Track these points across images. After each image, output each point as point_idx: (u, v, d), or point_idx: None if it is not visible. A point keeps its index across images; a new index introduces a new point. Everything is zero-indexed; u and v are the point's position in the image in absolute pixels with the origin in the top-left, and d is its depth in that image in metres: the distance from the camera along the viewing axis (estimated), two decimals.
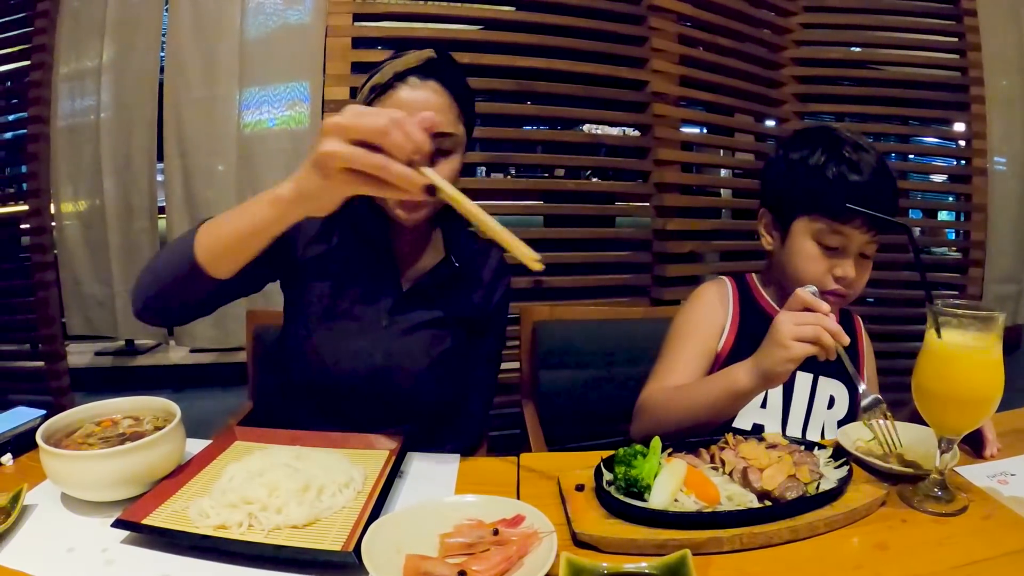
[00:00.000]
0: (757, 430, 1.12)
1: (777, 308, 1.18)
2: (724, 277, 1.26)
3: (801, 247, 1.11)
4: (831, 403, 1.17)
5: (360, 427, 1.01)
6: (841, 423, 1.15)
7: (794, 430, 1.14)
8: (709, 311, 1.19)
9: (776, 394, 1.14)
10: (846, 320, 1.27)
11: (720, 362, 1.15)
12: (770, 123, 2.84)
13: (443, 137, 1.01)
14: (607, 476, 0.81)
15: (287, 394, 1.18)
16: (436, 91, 1.02)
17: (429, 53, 1.05)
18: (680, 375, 1.12)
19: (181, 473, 0.83)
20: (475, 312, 1.19)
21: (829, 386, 1.17)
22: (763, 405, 1.14)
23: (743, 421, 1.12)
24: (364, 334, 1.10)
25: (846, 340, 0.86)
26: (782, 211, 1.15)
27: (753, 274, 1.26)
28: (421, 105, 1.00)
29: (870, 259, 1.12)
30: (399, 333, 1.12)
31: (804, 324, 0.86)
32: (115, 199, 2.34)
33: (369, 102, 1.03)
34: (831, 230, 1.08)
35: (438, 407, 1.16)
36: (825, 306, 0.88)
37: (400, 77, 1.02)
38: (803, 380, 1.16)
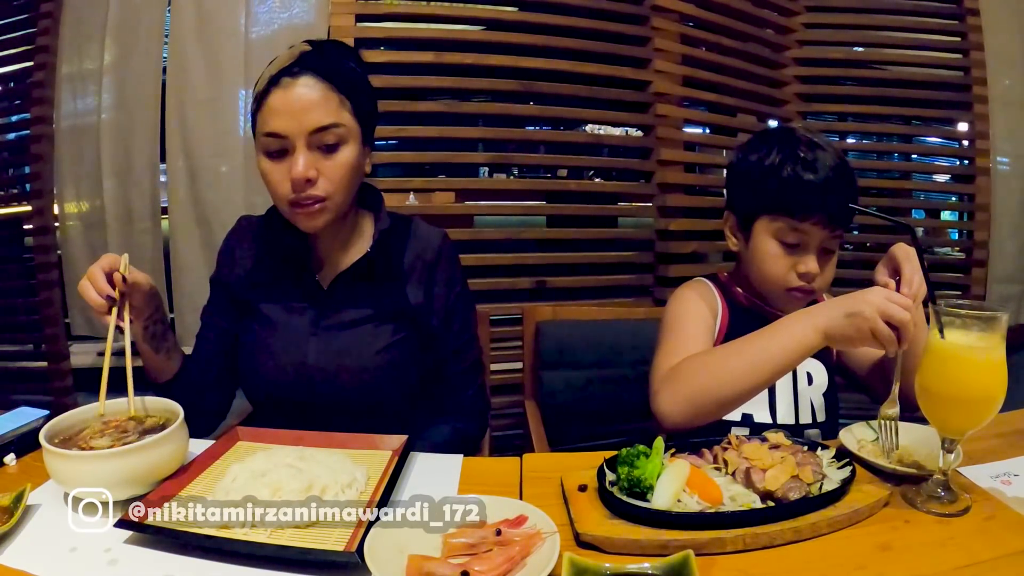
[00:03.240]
0: (747, 420, 1.13)
1: (751, 302, 1.21)
2: (701, 278, 1.27)
3: (764, 247, 1.13)
4: (810, 380, 1.18)
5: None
6: (826, 395, 1.18)
7: (785, 414, 1.15)
8: (701, 302, 1.20)
9: None
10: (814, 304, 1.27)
11: None
12: (773, 123, 2.84)
13: (323, 131, 0.98)
14: (610, 476, 0.81)
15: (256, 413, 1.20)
16: (308, 85, 0.98)
17: (302, 47, 1.02)
18: (697, 348, 1.11)
19: (184, 473, 0.83)
20: (416, 307, 1.12)
21: (806, 365, 1.17)
22: None
23: (732, 412, 1.12)
24: (292, 341, 1.10)
25: (906, 347, 0.87)
26: (744, 213, 1.17)
27: (725, 273, 1.28)
28: (291, 104, 0.97)
29: (834, 253, 1.14)
30: (331, 333, 1.10)
31: (897, 305, 0.86)
32: (116, 200, 2.35)
33: (254, 113, 1.02)
34: (790, 228, 1.09)
35: (392, 404, 1.12)
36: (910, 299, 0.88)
37: (274, 81, 0.99)
38: None
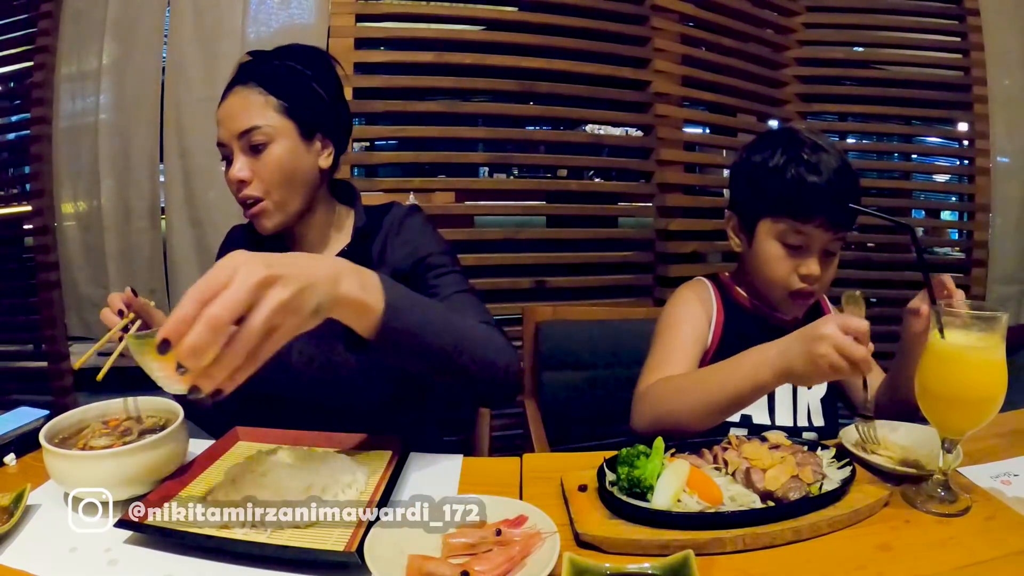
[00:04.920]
0: (745, 421, 1.13)
1: (752, 303, 1.21)
2: (701, 278, 1.27)
3: (766, 249, 1.13)
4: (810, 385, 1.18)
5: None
6: (824, 401, 1.18)
7: (784, 417, 1.15)
8: (696, 305, 1.20)
9: None
10: (815, 304, 1.28)
11: (708, 359, 1.17)
12: (773, 123, 2.84)
13: (247, 134, 1.03)
14: (610, 476, 0.81)
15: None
16: (236, 93, 1.05)
17: (242, 59, 1.09)
18: (679, 363, 1.12)
19: (184, 473, 0.83)
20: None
21: None
22: None
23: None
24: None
25: (870, 369, 0.86)
26: (747, 214, 1.17)
27: (727, 273, 1.28)
28: (225, 114, 1.05)
29: (835, 255, 1.14)
30: (311, 331, 1.10)
31: (852, 339, 0.84)
32: (114, 200, 2.35)
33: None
34: (793, 230, 1.10)
35: (376, 405, 1.10)
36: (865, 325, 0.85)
37: (222, 97, 1.06)
38: None
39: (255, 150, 1.03)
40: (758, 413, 1.14)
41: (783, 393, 1.16)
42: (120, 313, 0.95)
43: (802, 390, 1.18)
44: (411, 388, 1.15)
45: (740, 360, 0.97)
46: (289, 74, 1.08)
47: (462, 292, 1.08)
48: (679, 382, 1.06)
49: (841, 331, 0.84)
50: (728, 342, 1.17)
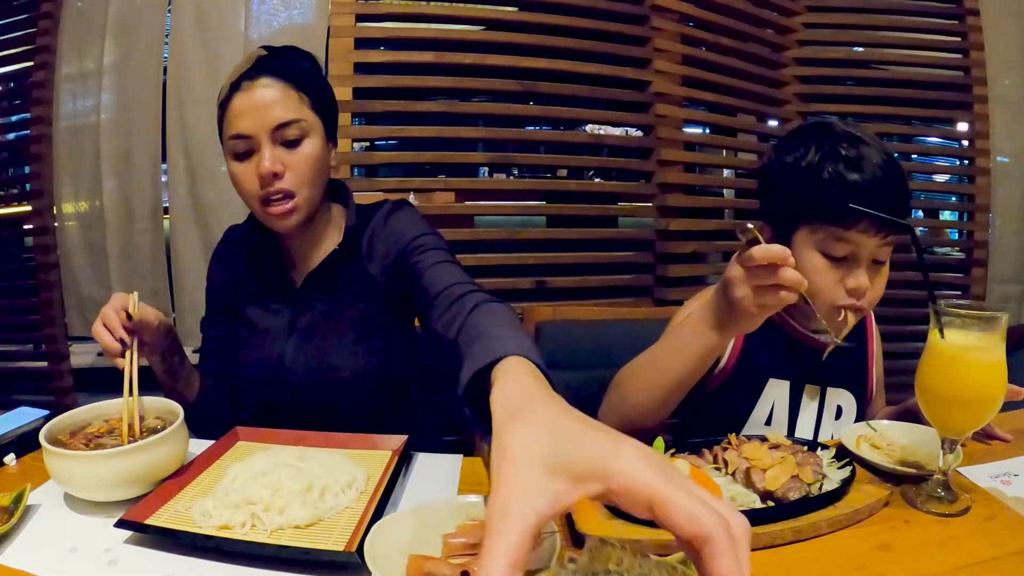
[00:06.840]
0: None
1: (780, 316, 1.11)
2: None
3: (806, 261, 0.99)
4: (839, 413, 1.14)
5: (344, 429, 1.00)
6: None
7: None
8: None
9: (782, 411, 1.11)
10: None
11: (726, 374, 1.10)
12: (773, 123, 2.84)
13: (285, 127, 1.01)
14: None
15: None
16: (267, 85, 1.01)
17: (258, 52, 1.05)
18: None
19: (184, 473, 0.84)
20: (378, 279, 1.11)
21: (837, 396, 1.13)
22: (768, 422, 1.11)
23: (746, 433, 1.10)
24: (270, 343, 1.11)
25: (804, 285, 0.75)
26: (781, 222, 1.04)
27: None
28: (253, 105, 1.00)
29: (884, 264, 1.01)
30: (307, 331, 1.10)
31: (766, 291, 0.76)
32: (116, 200, 2.34)
33: (220, 121, 1.04)
34: (835, 238, 0.96)
35: (372, 405, 1.11)
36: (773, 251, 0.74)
37: (235, 86, 1.02)
38: (811, 393, 1.12)
39: (288, 144, 1.02)
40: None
41: (807, 423, 1.12)
42: (121, 341, 0.93)
43: (828, 419, 1.12)
44: (403, 392, 1.16)
45: (683, 337, 0.91)
46: (312, 73, 1.08)
47: (444, 262, 1.04)
48: (634, 370, 0.99)
49: (743, 266, 0.76)
50: (750, 354, 1.08)
